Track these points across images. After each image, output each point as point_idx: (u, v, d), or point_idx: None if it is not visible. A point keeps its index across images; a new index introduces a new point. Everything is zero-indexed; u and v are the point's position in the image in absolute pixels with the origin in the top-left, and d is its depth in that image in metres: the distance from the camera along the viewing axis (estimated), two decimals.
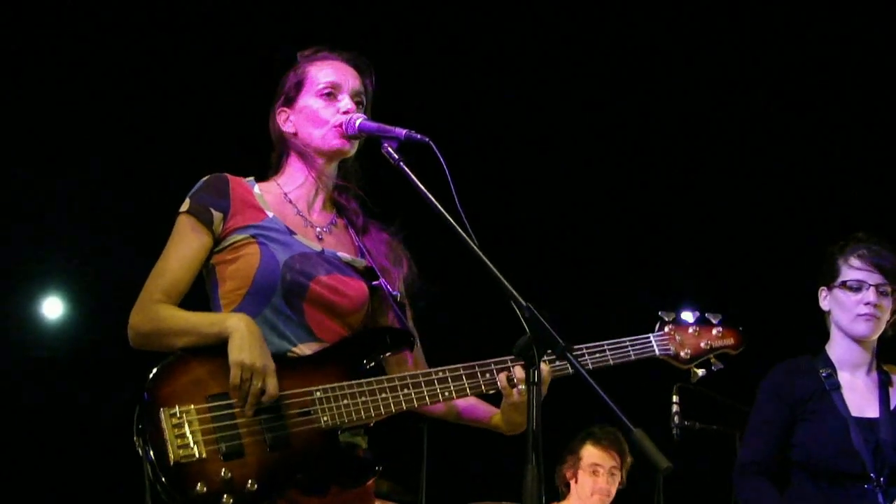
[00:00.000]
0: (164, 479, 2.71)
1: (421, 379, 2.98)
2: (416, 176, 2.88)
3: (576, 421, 5.75)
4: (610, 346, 3.14)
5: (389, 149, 2.95)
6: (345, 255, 3.15)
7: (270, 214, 3.10)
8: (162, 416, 2.76)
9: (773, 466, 4.08)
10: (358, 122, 3.09)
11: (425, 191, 2.84)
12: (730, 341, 3.32)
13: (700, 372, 3.28)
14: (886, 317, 4.07)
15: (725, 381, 5.92)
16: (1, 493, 7.54)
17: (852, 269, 4.07)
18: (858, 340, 4.10)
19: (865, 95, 6.98)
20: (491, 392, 3.03)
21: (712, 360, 3.29)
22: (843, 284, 4.07)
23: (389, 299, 3.15)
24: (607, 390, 2.48)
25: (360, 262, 3.16)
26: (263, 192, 3.15)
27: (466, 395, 3.02)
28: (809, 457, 4.00)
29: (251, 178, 3.20)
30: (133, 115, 6.97)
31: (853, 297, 4.05)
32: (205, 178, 3.11)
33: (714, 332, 3.31)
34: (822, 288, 4.17)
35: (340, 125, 3.12)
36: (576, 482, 5.58)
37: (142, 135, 7.00)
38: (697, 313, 3.31)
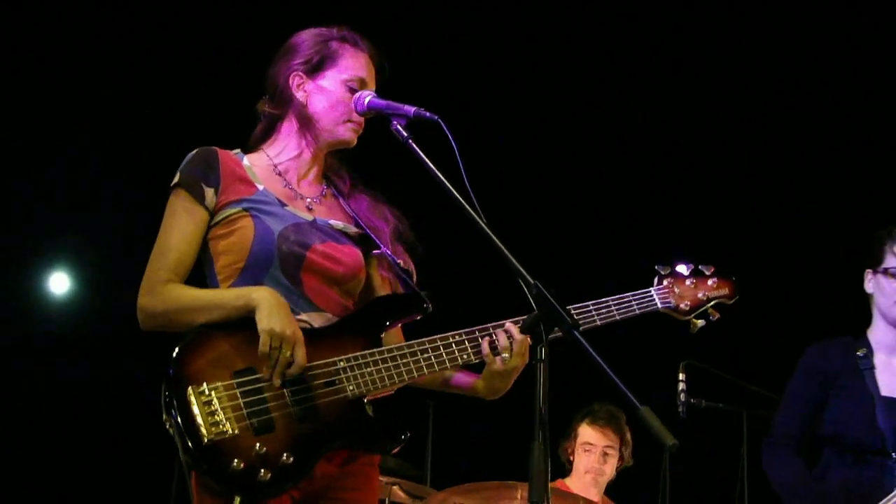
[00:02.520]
0: (199, 459, 2.72)
1: (439, 343, 2.99)
2: (424, 154, 2.87)
3: (584, 398, 5.76)
4: (615, 302, 3.18)
5: (398, 126, 2.95)
6: (336, 222, 3.14)
7: (261, 187, 3.08)
8: (191, 394, 2.76)
9: (801, 440, 4.15)
10: (367, 100, 3.08)
11: (434, 168, 2.84)
12: (725, 291, 3.34)
13: (700, 323, 3.31)
14: None
15: (731, 359, 5.96)
16: (6, 469, 7.57)
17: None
18: None
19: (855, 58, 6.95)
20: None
21: (710, 311, 3.32)
22: (886, 271, 4.10)
23: (394, 266, 3.15)
24: (613, 367, 2.48)
25: (353, 229, 3.16)
26: (252, 165, 3.13)
27: (483, 357, 3.02)
28: (836, 432, 4.07)
29: (238, 151, 3.17)
30: (140, 89, 6.97)
31: (894, 285, 4.08)
32: (194, 152, 3.08)
33: (710, 282, 3.33)
34: (868, 270, 4.22)
35: (351, 111, 3.11)
36: (574, 458, 5.60)
37: (149, 109, 6.99)
38: (691, 265, 3.35)
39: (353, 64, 3.15)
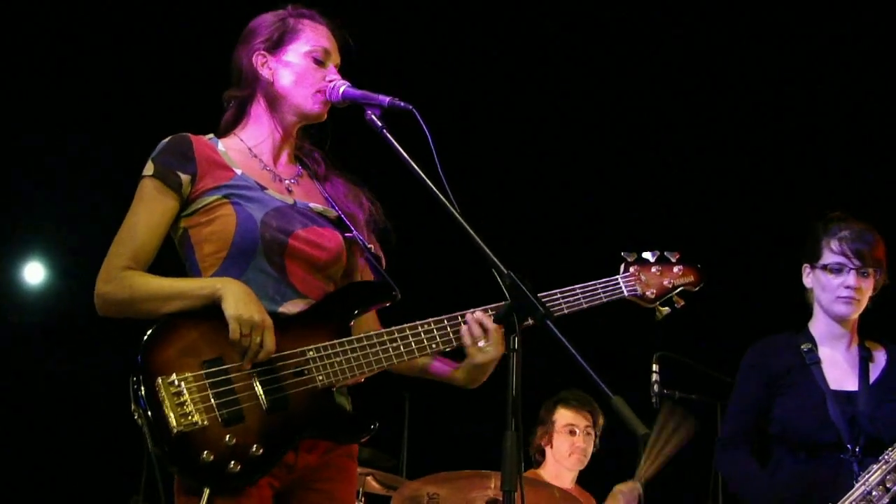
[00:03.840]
0: (167, 450, 2.71)
1: (408, 332, 3.00)
2: (398, 143, 2.88)
3: (552, 390, 5.79)
4: (582, 290, 3.19)
5: (373, 116, 2.96)
6: (316, 205, 3.14)
7: (239, 171, 3.06)
8: (160, 385, 2.74)
9: (752, 440, 4.15)
10: (342, 89, 3.08)
11: (408, 158, 2.85)
12: (690, 279, 3.36)
13: (665, 310, 3.34)
14: (867, 297, 4.11)
15: (705, 351, 5.98)
16: None
17: (833, 253, 4.09)
18: (840, 319, 4.15)
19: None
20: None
21: (675, 299, 3.35)
22: (825, 267, 4.10)
23: (366, 252, 3.15)
24: (587, 358, 2.50)
25: (331, 212, 3.16)
26: (227, 149, 3.11)
27: (452, 346, 3.04)
28: (787, 429, 4.05)
29: (211, 136, 3.16)
30: (115, 78, 6.93)
31: (834, 280, 4.09)
32: (166, 140, 3.06)
33: (675, 269, 3.36)
34: (806, 265, 4.21)
35: (323, 91, 3.11)
36: (551, 447, 5.62)
37: (124, 96, 6.95)
38: (657, 252, 3.37)
39: (313, 35, 3.16)
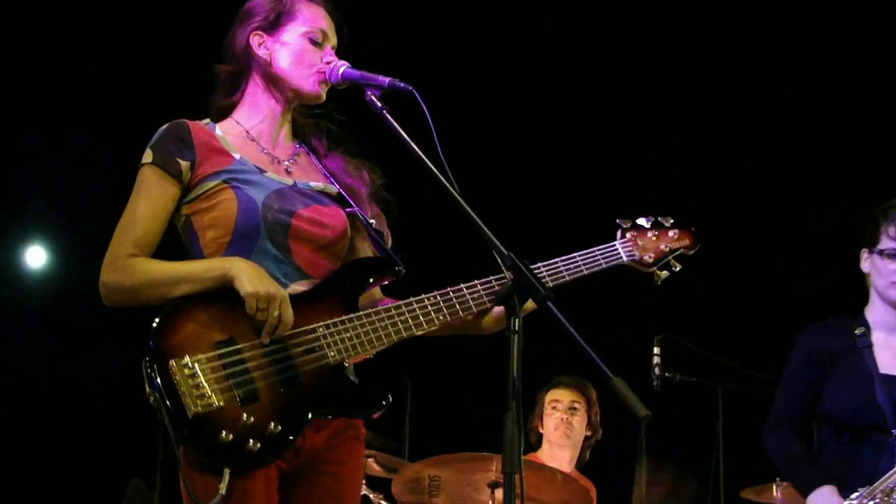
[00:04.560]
0: (186, 432, 2.70)
1: (415, 305, 3.00)
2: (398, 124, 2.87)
3: (557, 373, 5.81)
4: (582, 257, 3.21)
5: (372, 97, 2.95)
6: (316, 183, 3.14)
7: (237, 156, 3.05)
8: (174, 367, 2.74)
9: (801, 421, 4.19)
10: (342, 70, 3.07)
11: (408, 139, 2.84)
12: (686, 242, 3.38)
13: (663, 274, 3.36)
14: None
15: (706, 334, 5.99)
16: None
17: (890, 238, 4.13)
18: (894, 304, 4.17)
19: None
20: (480, 310, 3.07)
21: (672, 263, 3.36)
22: (882, 252, 4.12)
23: (368, 227, 3.15)
24: (587, 340, 2.50)
25: (332, 189, 3.16)
26: (225, 133, 3.10)
27: (459, 317, 3.05)
28: (833, 410, 4.10)
29: (208, 121, 3.15)
30: (115, 63, 6.92)
31: (890, 265, 4.14)
32: (164, 127, 3.04)
33: (671, 233, 3.37)
34: (864, 250, 4.23)
35: (322, 72, 3.10)
36: (542, 427, 5.68)
37: (125, 81, 6.95)
38: (651, 218, 3.39)
39: (311, 16, 3.14)
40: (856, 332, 4.18)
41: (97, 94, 7.06)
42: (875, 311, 4.23)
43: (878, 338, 4.18)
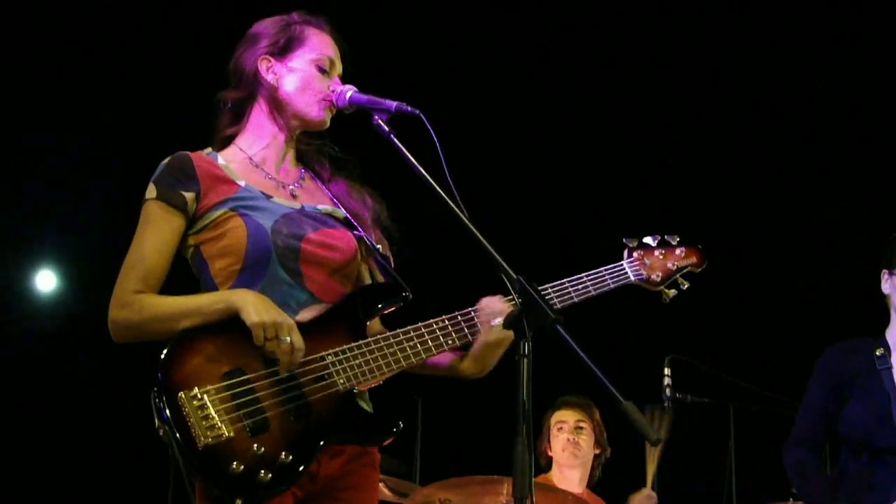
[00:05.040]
0: (197, 464, 2.69)
1: (423, 330, 2.99)
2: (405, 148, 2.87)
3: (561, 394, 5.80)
4: (589, 278, 3.21)
5: (380, 121, 2.94)
6: (324, 206, 3.13)
7: (242, 183, 3.04)
8: (183, 398, 2.73)
9: (821, 441, 4.18)
10: (349, 95, 3.06)
11: (416, 163, 2.83)
12: (693, 260, 3.38)
13: (671, 292, 3.36)
14: None
15: (717, 353, 5.97)
16: None
17: None
18: None
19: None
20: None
21: (679, 280, 3.36)
22: None
23: (374, 252, 3.14)
24: (597, 363, 2.49)
25: (339, 212, 3.15)
26: (228, 162, 3.09)
27: (468, 340, 3.05)
28: (852, 431, 4.09)
29: (209, 150, 3.14)
30: (125, 89, 6.95)
31: None
32: (166, 161, 3.03)
33: (678, 252, 3.38)
34: (884, 271, 4.20)
35: (329, 98, 3.10)
36: (551, 449, 5.66)
37: (133, 107, 6.97)
38: (657, 236, 3.39)
39: (319, 44, 3.14)
40: (876, 353, 4.16)
41: (106, 117, 7.08)
42: (894, 333, 4.21)
43: None
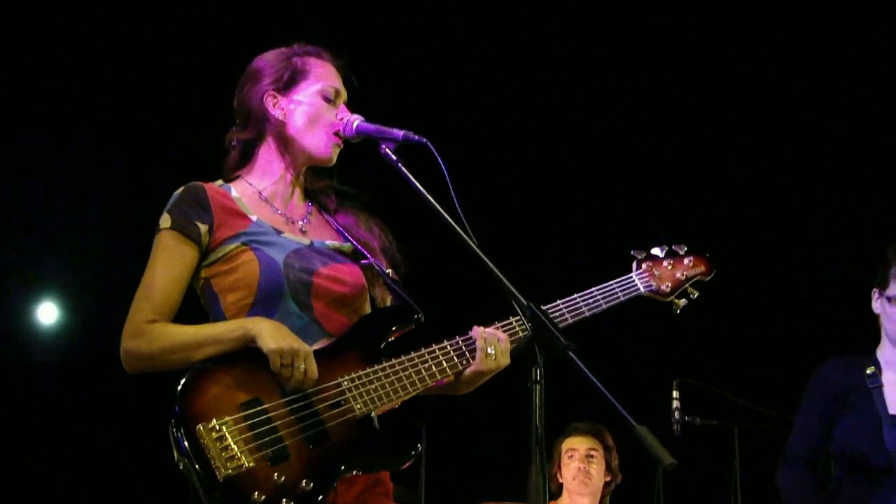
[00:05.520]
0: (217, 496, 2.68)
1: (438, 352, 3.01)
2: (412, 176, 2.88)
3: (574, 419, 5.78)
4: (599, 292, 3.23)
5: (387, 150, 2.95)
6: (332, 242, 3.14)
7: (254, 218, 3.05)
8: (201, 431, 2.72)
9: (814, 459, 4.16)
10: (356, 124, 3.07)
11: (424, 192, 2.85)
12: (701, 269, 3.41)
13: (681, 302, 3.38)
14: None
15: (725, 375, 5.96)
16: None
17: None
18: None
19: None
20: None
21: (689, 290, 3.38)
22: (890, 299, 4.10)
23: (384, 277, 3.14)
24: (608, 386, 2.49)
25: (347, 246, 3.16)
26: (240, 195, 3.10)
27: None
28: (844, 450, 4.08)
29: (221, 182, 3.14)
30: (128, 117, 6.95)
31: None
32: (180, 191, 3.04)
33: (686, 261, 3.40)
34: (875, 290, 4.20)
35: (338, 129, 3.10)
36: (561, 476, 5.64)
37: (137, 136, 6.97)
38: (665, 247, 3.41)
39: (323, 74, 3.15)
40: (867, 371, 4.15)
41: (108, 147, 7.08)
42: (885, 352, 4.21)
43: (888, 378, 4.16)
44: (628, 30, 7.12)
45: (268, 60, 3.18)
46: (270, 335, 2.82)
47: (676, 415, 5.37)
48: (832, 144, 7.15)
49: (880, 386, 4.12)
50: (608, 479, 5.65)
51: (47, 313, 7.97)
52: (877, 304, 4.20)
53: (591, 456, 5.60)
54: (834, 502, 4.09)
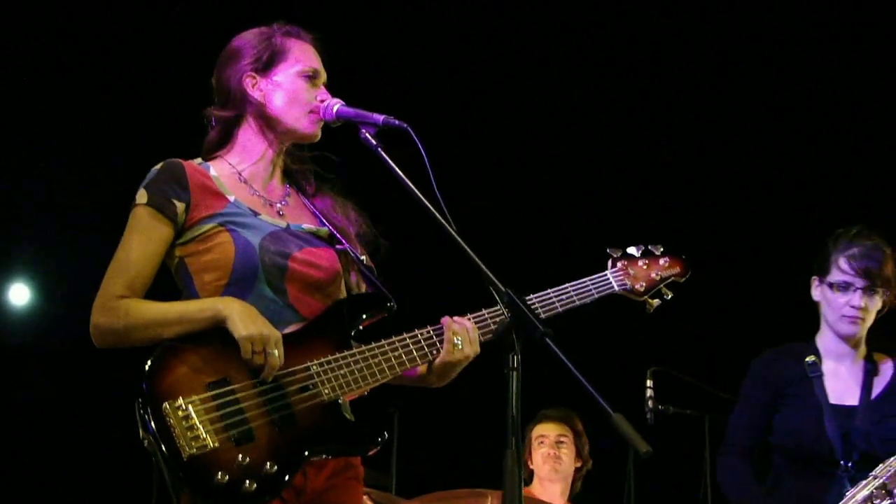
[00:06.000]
0: (181, 475, 2.68)
1: (409, 341, 3.01)
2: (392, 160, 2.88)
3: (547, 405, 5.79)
4: (573, 288, 3.25)
5: (367, 135, 2.95)
6: (308, 225, 3.13)
7: (232, 198, 3.04)
8: (167, 409, 2.72)
9: (753, 449, 4.15)
10: (336, 108, 3.06)
11: (403, 177, 2.85)
12: (676, 270, 3.44)
13: (655, 302, 3.40)
14: (872, 316, 4.11)
15: (698, 365, 5.98)
16: None
17: (840, 271, 4.07)
18: (843, 336, 4.14)
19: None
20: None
21: (663, 290, 3.40)
22: (831, 285, 4.09)
23: (358, 264, 3.14)
24: (585, 375, 2.50)
25: (323, 230, 3.15)
26: (219, 174, 3.08)
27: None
28: (784, 441, 4.06)
29: (200, 160, 3.12)
30: (99, 99, 6.90)
31: (840, 299, 4.08)
32: (159, 167, 3.03)
33: (661, 262, 3.42)
34: (815, 278, 4.19)
35: (317, 111, 3.09)
36: (532, 462, 5.67)
37: (110, 116, 6.92)
38: (641, 246, 3.43)
39: (302, 54, 3.14)
40: (807, 360, 4.14)
41: (81, 129, 7.03)
42: (825, 340, 4.19)
43: (828, 366, 4.14)
44: (607, 25, 7.13)
45: (247, 40, 3.16)
46: (241, 319, 2.81)
47: (650, 403, 5.39)
48: (807, 143, 7.19)
49: (821, 375, 4.10)
50: (578, 464, 5.69)
51: (19, 295, 7.90)
52: (816, 292, 4.18)
53: (562, 442, 5.64)
54: (774, 493, 4.09)
